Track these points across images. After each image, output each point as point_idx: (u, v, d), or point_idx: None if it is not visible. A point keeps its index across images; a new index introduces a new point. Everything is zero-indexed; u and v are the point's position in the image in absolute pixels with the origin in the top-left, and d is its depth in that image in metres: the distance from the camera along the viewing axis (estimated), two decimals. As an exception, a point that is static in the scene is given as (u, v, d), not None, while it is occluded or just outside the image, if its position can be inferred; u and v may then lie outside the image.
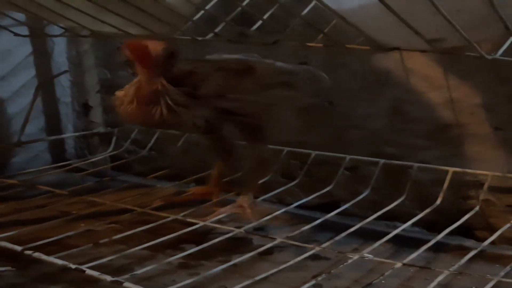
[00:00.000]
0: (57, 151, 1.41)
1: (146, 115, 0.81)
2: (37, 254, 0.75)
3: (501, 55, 0.68)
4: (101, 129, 1.36)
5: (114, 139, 1.31)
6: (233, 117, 0.85)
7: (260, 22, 0.84)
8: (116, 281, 0.67)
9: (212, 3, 0.94)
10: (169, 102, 0.80)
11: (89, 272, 0.69)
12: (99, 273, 0.69)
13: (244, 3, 0.84)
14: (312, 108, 1.04)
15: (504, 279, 0.73)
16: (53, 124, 1.40)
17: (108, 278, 0.68)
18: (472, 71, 0.91)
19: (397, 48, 0.73)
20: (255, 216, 0.89)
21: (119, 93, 0.85)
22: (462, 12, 0.61)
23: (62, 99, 1.41)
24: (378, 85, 1.00)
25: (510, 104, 0.91)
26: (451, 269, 0.75)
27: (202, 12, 0.90)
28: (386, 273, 0.74)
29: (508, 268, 0.75)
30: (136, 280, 0.69)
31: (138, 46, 0.80)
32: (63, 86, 1.40)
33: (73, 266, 0.71)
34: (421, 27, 0.63)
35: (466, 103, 0.94)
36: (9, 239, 0.81)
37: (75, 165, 1.26)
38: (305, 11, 0.81)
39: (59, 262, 0.73)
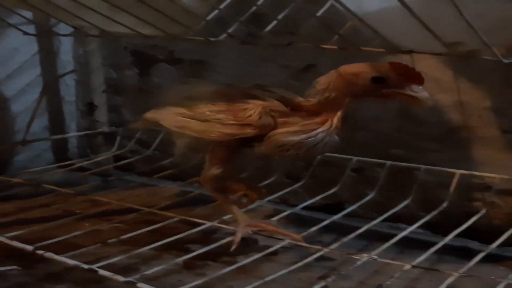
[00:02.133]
0: (60, 150, 1.41)
1: None
2: (49, 254, 0.75)
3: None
4: (105, 129, 1.36)
5: (118, 138, 1.31)
6: None
7: (274, 23, 0.83)
8: (130, 282, 0.67)
9: (226, 2, 0.93)
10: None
11: (102, 272, 0.69)
12: (111, 273, 0.69)
13: (259, 2, 0.84)
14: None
15: (512, 281, 0.73)
16: (56, 123, 1.39)
17: (121, 278, 0.67)
18: (481, 74, 0.91)
19: (412, 51, 0.73)
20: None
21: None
22: (482, 15, 0.61)
23: (66, 98, 1.40)
24: (385, 87, 1.00)
25: (518, 107, 0.91)
26: (460, 271, 0.74)
27: (215, 12, 0.90)
28: (396, 275, 0.74)
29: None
30: (145, 280, 0.69)
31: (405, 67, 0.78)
32: (68, 85, 1.39)
33: (86, 267, 0.71)
34: (441, 31, 0.63)
35: (475, 106, 0.93)
36: (16, 238, 0.80)
37: (79, 164, 1.26)
38: (321, 11, 0.81)
39: (71, 262, 0.73)
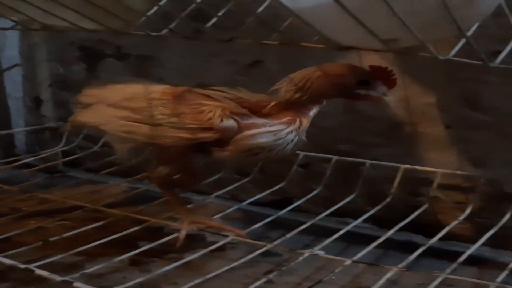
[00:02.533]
0: (7, 147, 1.38)
1: None
2: (-12, 253, 0.73)
3: (454, 56, 0.68)
4: (51, 124, 1.34)
5: (65, 134, 1.29)
6: None
7: (215, 19, 0.83)
8: (66, 281, 0.66)
9: (166, -1, 0.93)
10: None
11: (38, 271, 0.68)
12: (48, 272, 0.68)
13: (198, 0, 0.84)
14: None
15: (450, 276, 0.74)
16: (2, 119, 1.37)
17: (58, 278, 0.67)
18: (425, 71, 0.92)
19: (351, 47, 0.73)
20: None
21: None
22: (416, 14, 0.62)
23: (12, 94, 1.38)
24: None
25: (461, 104, 0.92)
26: (399, 266, 0.75)
27: (156, 7, 0.89)
28: (336, 270, 0.75)
29: (454, 265, 0.76)
30: (86, 278, 0.69)
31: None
32: (14, 81, 1.37)
33: (22, 266, 0.70)
34: (376, 27, 0.64)
35: (418, 102, 0.95)
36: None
37: (25, 160, 1.24)
38: (261, 8, 0.81)
39: (7, 261, 0.72)
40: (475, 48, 0.66)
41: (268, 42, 0.80)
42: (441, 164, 0.94)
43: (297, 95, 0.78)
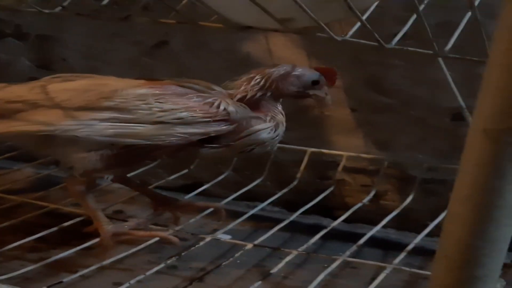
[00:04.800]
0: None
1: None
2: None
3: (352, 37, 0.68)
4: None
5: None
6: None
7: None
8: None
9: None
10: None
11: None
12: None
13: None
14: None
15: (350, 259, 0.74)
16: None
17: None
18: (331, 54, 0.92)
19: (250, 27, 0.73)
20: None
21: None
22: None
23: None
24: (239, 65, 1.00)
25: (365, 86, 0.93)
26: (299, 249, 0.75)
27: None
28: (237, 254, 0.74)
29: (354, 247, 0.77)
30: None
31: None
32: None
33: None
34: (271, 7, 0.63)
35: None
36: None
37: None
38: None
39: None
40: (369, 29, 0.66)
41: (165, 21, 0.79)
42: (347, 148, 0.95)
43: (260, 93, 0.77)
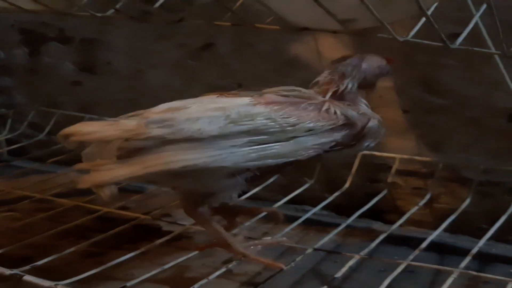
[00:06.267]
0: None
1: None
2: None
3: (412, 37, 0.67)
4: (-7, 111, 1.28)
5: (9, 121, 1.24)
6: None
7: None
8: (15, 274, 0.62)
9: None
10: None
11: (-14, 266, 0.64)
12: (-4, 266, 0.64)
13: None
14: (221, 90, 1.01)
15: (413, 263, 0.73)
16: None
17: (7, 271, 0.63)
18: (381, 54, 0.91)
19: (307, 29, 0.72)
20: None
21: None
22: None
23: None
24: (286, 67, 0.99)
25: (418, 87, 0.91)
26: (361, 253, 0.74)
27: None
28: (298, 259, 0.73)
29: (417, 251, 0.75)
30: (37, 271, 0.65)
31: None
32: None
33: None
34: (333, 7, 0.62)
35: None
36: None
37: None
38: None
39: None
40: (436, 28, 0.64)
41: (220, 23, 0.78)
42: (399, 150, 0.93)
43: (350, 85, 0.73)
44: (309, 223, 0.88)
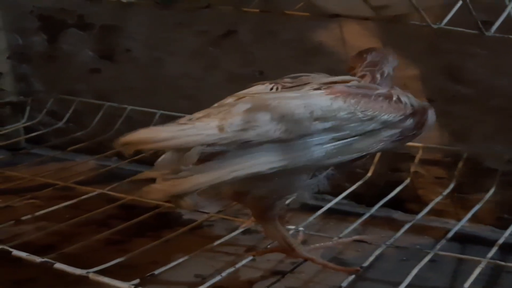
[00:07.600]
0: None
1: None
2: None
3: (445, 25, 0.66)
4: (13, 98, 1.27)
5: (27, 109, 1.24)
6: None
7: (189, -14, 0.80)
8: (46, 262, 0.62)
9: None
10: None
11: (16, 253, 0.64)
12: (26, 253, 0.64)
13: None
14: (242, 78, 1.01)
15: (440, 252, 0.73)
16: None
17: (37, 259, 0.63)
18: (407, 42, 0.90)
19: (338, 15, 0.71)
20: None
21: None
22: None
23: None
24: (309, 55, 0.98)
25: (443, 76, 0.90)
26: (387, 243, 0.74)
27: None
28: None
29: (443, 240, 0.75)
30: (64, 258, 0.65)
31: None
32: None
33: (-2, 247, 0.66)
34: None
35: (400, 74, 0.92)
36: None
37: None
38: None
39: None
40: (473, 15, 0.64)
41: (248, 9, 0.77)
42: (423, 139, 0.92)
43: (386, 70, 0.73)
44: (330, 212, 0.88)
